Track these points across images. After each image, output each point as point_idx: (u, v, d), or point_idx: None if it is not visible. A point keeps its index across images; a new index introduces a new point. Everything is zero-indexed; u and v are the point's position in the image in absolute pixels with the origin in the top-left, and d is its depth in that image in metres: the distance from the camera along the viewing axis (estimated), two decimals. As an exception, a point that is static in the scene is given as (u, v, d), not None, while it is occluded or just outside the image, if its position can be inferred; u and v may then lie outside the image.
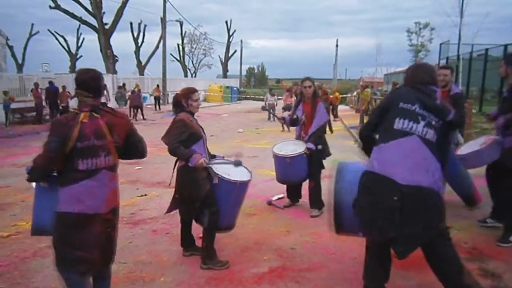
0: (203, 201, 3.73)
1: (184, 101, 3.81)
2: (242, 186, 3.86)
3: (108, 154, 2.62)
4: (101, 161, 2.59)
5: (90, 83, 2.62)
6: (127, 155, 2.82)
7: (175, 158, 3.87)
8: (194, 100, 3.82)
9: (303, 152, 5.10)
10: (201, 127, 3.93)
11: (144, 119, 20.13)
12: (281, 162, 5.24)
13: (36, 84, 17.74)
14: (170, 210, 4.07)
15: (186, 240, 4.11)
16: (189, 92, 3.83)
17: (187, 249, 4.11)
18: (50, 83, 18.28)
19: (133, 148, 2.81)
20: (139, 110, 20.18)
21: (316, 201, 5.35)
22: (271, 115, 16.31)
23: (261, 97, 36.20)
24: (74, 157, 2.52)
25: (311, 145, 5.14)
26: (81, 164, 2.54)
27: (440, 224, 2.66)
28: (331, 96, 19.66)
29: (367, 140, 3.01)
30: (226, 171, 3.88)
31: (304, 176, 5.31)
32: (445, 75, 4.83)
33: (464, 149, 4.42)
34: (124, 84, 24.04)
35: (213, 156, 4.14)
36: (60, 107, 17.77)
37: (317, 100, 5.30)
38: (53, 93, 17.88)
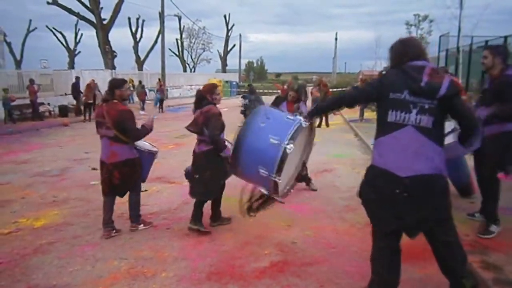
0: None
1: (209, 96, 4.40)
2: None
3: (107, 129, 4.26)
4: (102, 131, 4.34)
5: (109, 84, 4.39)
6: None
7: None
8: (217, 94, 4.47)
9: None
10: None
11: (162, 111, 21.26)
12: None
13: (31, 81, 17.25)
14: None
15: (214, 215, 4.71)
16: (213, 88, 4.51)
17: (215, 221, 4.69)
18: (77, 78, 18.61)
19: (124, 132, 4.26)
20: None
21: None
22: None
23: (261, 91, 36.06)
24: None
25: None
26: (97, 131, 4.44)
27: (447, 204, 2.63)
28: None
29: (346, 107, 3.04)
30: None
31: None
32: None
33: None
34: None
35: None
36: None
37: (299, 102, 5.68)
38: (76, 88, 18.05)
